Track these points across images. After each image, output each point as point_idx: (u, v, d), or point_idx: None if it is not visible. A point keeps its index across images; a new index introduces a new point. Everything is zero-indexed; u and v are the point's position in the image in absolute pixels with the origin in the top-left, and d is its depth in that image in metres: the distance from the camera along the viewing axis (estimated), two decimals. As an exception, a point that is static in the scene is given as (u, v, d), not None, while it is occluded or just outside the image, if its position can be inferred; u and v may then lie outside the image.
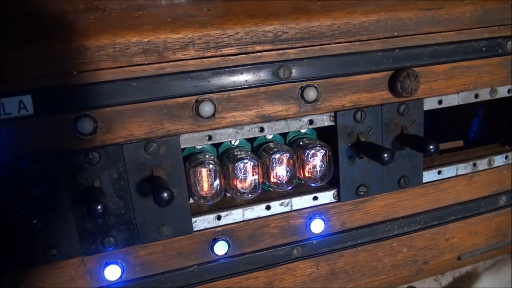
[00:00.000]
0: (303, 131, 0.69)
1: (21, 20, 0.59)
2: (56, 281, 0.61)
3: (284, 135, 0.69)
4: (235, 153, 0.65)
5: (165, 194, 0.54)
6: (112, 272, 0.62)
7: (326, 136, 0.70)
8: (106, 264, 0.61)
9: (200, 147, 0.65)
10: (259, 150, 0.67)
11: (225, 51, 0.59)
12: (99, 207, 0.52)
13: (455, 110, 0.78)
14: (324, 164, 0.67)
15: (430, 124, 0.82)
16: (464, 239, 0.82)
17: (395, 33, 0.66)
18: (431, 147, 0.65)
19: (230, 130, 0.62)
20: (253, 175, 0.64)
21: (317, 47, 0.62)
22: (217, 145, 0.67)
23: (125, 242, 0.61)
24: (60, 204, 0.58)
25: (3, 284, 0.59)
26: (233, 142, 0.67)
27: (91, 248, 0.60)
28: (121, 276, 0.62)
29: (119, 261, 0.62)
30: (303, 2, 0.66)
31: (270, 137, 0.68)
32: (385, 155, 0.62)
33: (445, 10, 0.69)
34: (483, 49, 0.72)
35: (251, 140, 0.68)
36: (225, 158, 0.65)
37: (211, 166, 0.62)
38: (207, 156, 0.64)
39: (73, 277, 0.61)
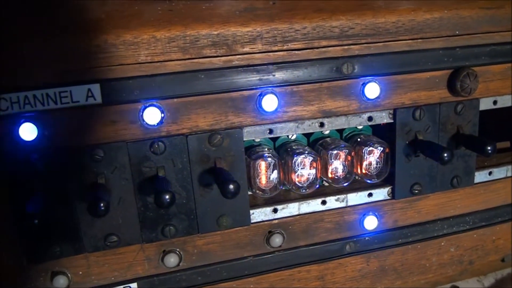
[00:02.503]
0: (359, 127, 0.69)
1: (89, 8, 0.59)
2: (115, 267, 0.62)
3: (340, 131, 0.69)
4: (293, 147, 0.65)
5: (232, 186, 0.54)
6: (171, 260, 0.62)
7: (379, 133, 0.70)
8: (165, 252, 0.62)
9: (259, 140, 0.66)
10: (316, 145, 0.67)
11: (292, 45, 0.59)
12: (167, 196, 0.53)
13: (502, 112, 0.77)
14: (381, 161, 0.67)
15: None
16: (509, 241, 0.81)
17: (457, 32, 0.66)
18: (489, 148, 0.65)
19: (291, 124, 0.62)
20: (310, 169, 0.64)
21: (380, 44, 0.62)
22: (273, 139, 0.68)
23: (184, 231, 0.62)
24: (123, 192, 0.59)
25: (63, 268, 0.60)
26: (290, 136, 0.67)
27: (151, 236, 0.61)
28: (178, 264, 0.63)
29: (178, 249, 0.63)
30: (367, -3, 0.66)
31: (327, 132, 0.68)
32: (445, 155, 0.62)
33: (505, 10, 0.68)
34: (539, 50, 0.71)
35: (307, 135, 0.69)
36: (283, 152, 0.65)
37: (270, 159, 0.63)
38: (266, 149, 0.64)
39: (131, 263, 0.62)
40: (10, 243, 0.57)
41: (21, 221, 0.56)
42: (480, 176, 0.75)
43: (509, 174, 0.77)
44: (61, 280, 0.60)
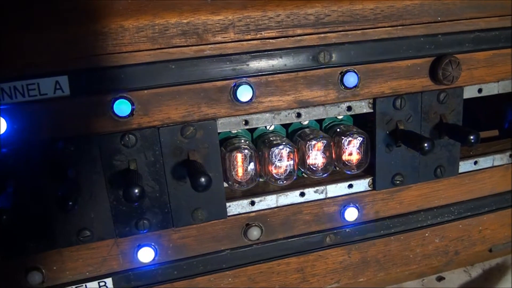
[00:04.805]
0: (339, 117, 0.68)
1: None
2: (89, 262, 0.61)
3: (320, 121, 0.68)
4: (271, 138, 0.63)
5: (203, 179, 0.53)
6: (145, 255, 0.62)
7: (361, 122, 0.69)
8: (140, 246, 0.61)
9: (235, 131, 0.64)
10: (294, 135, 0.66)
11: (265, 34, 0.57)
12: (136, 190, 0.52)
13: (490, 99, 0.76)
14: (361, 152, 0.65)
15: (464, 113, 0.79)
16: (497, 231, 0.80)
17: (439, 18, 0.64)
18: (472, 137, 0.63)
19: (267, 115, 0.61)
20: (288, 161, 0.63)
21: (359, 31, 0.60)
22: (251, 130, 0.66)
23: (159, 225, 0.61)
24: (95, 186, 0.57)
25: (37, 264, 0.59)
26: (268, 127, 0.66)
27: (124, 230, 0.60)
28: (154, 259, 0.62)
29: (152, 243, 0.62)
30: (345, -17, 0.64)
31: (306, 122, 0.67)
32: (426, 145, 0.60)
33: (490, -5, 0.66)
34: (526, 36, 0.69)
35: (285, 126, 0.67)
36: (261, 143, 0.64)
37: (246, 151, 0.61)
38: (242, 141, 0.63)
39: (106, 258, 0.61)
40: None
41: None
42: (465, 166, 0.73)
43: (495, 164, 0.76)
44: (36, 276, 0.59)
